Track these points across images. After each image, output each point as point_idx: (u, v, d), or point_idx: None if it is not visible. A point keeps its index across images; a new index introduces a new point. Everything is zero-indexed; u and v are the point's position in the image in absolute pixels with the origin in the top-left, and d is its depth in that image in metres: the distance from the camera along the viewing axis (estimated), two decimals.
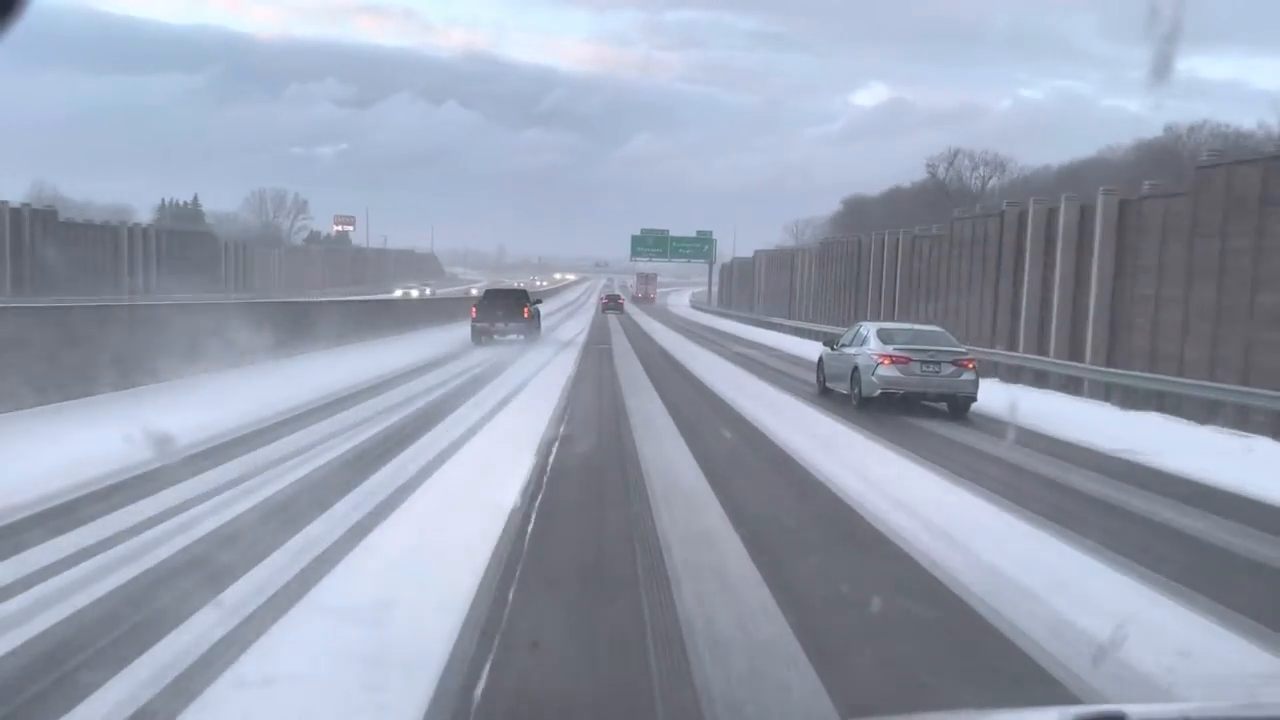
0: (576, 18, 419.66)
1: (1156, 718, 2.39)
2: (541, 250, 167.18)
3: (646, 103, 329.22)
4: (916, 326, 17.62)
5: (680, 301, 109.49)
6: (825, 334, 24.00)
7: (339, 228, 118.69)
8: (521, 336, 28.51)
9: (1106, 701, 3.94)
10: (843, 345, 16.77)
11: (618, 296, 74.59)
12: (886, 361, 14.97)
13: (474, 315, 28.98)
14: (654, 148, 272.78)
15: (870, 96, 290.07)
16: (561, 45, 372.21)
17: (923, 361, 15.07)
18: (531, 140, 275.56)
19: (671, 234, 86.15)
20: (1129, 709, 2.02)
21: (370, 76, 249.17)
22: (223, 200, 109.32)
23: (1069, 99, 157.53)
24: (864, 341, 15.79)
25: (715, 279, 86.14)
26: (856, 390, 15.27)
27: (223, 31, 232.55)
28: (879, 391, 14.86)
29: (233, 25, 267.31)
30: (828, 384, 17.13)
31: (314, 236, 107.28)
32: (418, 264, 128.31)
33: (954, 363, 15.13)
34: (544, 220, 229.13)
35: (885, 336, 15.71)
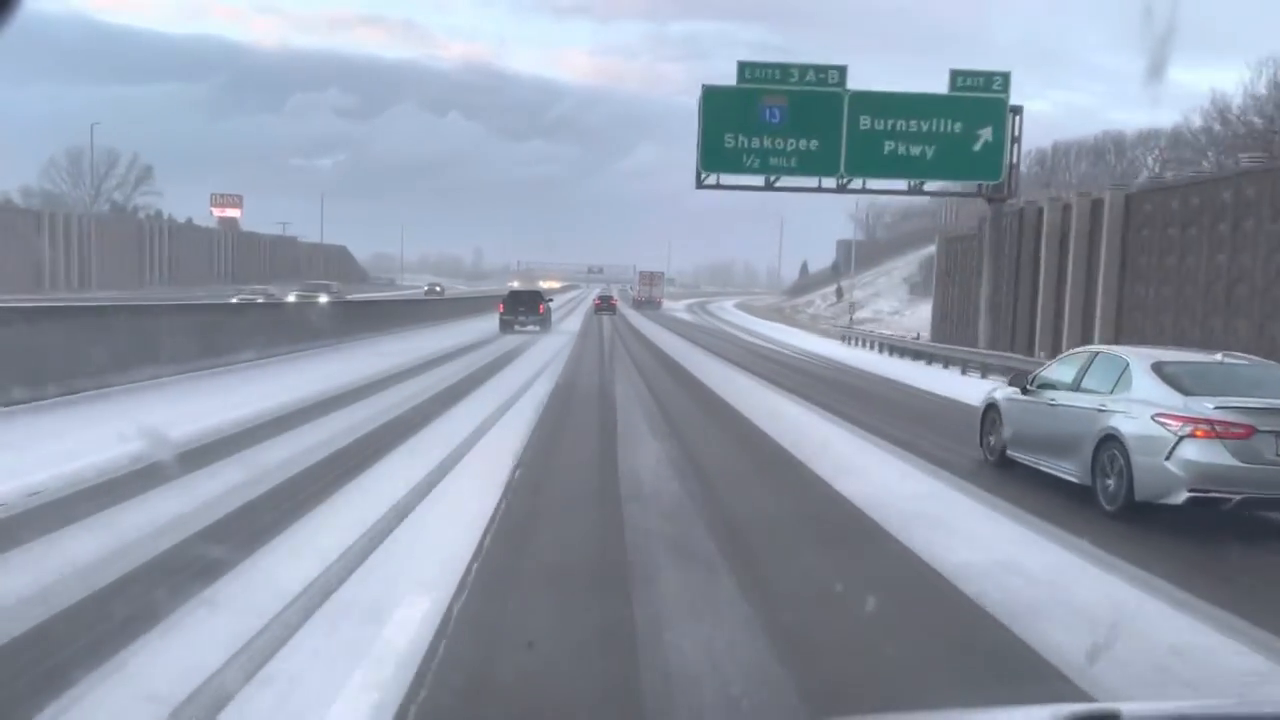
0: (579, 29, 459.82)
1: (1150, 716, 2.48)
2: (530, 257, 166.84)
3: (648, 113, 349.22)
4: (1228, 360, 10.48)
5: (724, 309, 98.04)
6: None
7: (221, 211, 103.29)
8: (538, 328, 41.03)
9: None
10: (1044, 386, 11.55)
11: (610, 298, 78.14)
12: (1203, 433, 8.92)
13: (501, 310, 42.35)
14: (655, 158, 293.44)
15: None
16: (564, 56, 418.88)
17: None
18: (531, 151, 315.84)
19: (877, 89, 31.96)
20: (1123, 707, 2.12)
21: (372, 88, 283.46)
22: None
23: (1073, 111, 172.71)
24: (1116, 385, 10.19)
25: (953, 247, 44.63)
26: (1113, 483, 9.55)
27: (223, 42, 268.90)
28: (1186, 494, 8.91)
29: (234, 36, 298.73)
30: (1011, 451, 11.89)
31: (123, 213, 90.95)
32: (306, 258, 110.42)
33: None
34: (537, 230, 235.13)
35: (1176, 379, 9.75)
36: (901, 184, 32.50)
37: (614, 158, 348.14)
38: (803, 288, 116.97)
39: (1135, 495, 9.15)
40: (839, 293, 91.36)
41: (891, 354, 37.75)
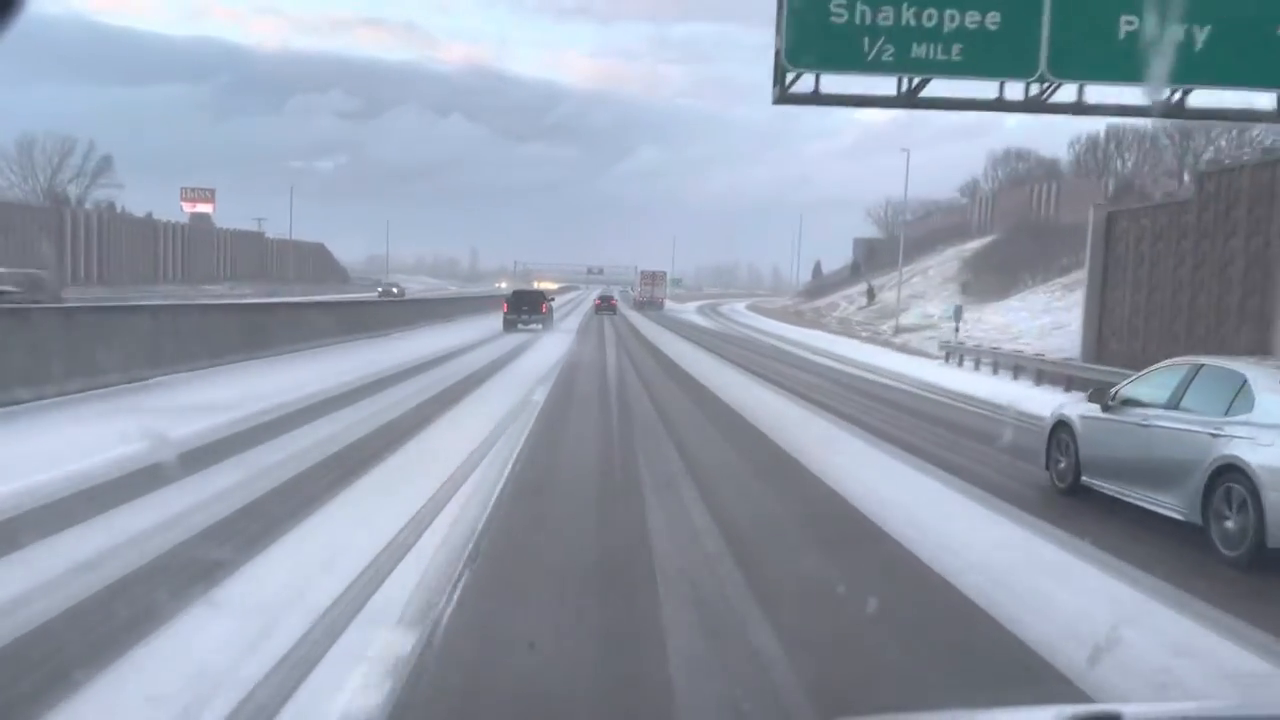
0: (581, 31, 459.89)
1: (1153, 718, 2.41)
2: (530, 257, 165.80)
3: (650, 116, 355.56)
4: None
5: (739, 312, 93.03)
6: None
7: (192, 206, 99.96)
8: (540, 326, 45.06)
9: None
10: (1130, 403, 10.04)
11: (610, 298, 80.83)
12: None
13: (505, 309, 46.02)
14: (656, 161, 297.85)
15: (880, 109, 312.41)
16: (566, 58, 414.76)
17: None
18: (532, 153, 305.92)
19: None
20: (1125, 709, 2.05)
21: (374, 90, 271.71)
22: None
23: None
24: (1233, 404, 8.66)
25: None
26: (1234, 524, 8.13)
27: (224, 44, 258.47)
28: None
29: (235, 38, 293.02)
30: (1086, 478, 10.50)
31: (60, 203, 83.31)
32: (275, 255, 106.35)
33: None
34: (537, 231, 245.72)
35: None
36: (1143, 94, 16.79)
37: (616, 159, 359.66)
38: (818, 289, 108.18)
39: (1267, 541, 7.79)
40: (870, 294, 79.93)
41: (1070, 387, 21.61)
